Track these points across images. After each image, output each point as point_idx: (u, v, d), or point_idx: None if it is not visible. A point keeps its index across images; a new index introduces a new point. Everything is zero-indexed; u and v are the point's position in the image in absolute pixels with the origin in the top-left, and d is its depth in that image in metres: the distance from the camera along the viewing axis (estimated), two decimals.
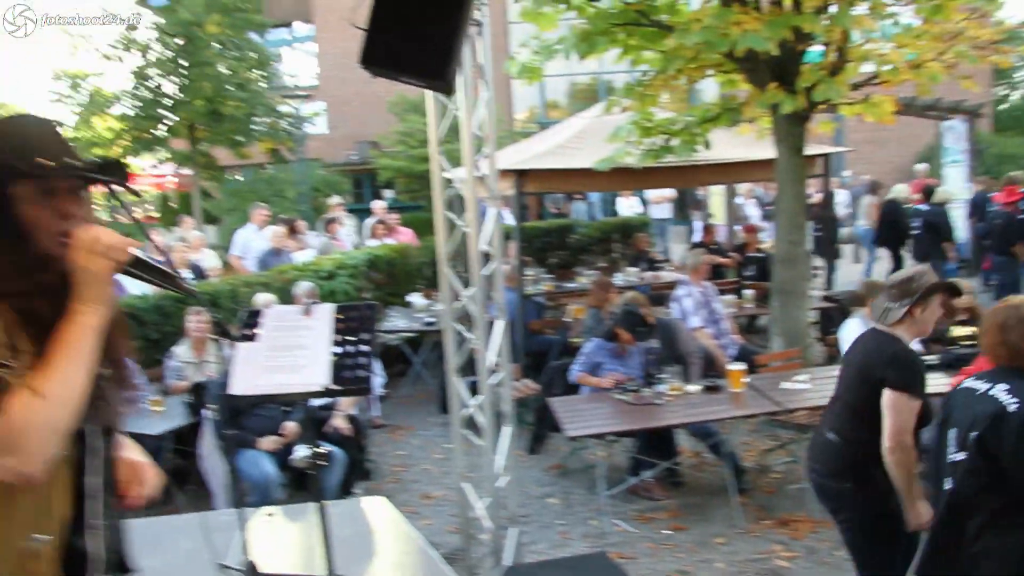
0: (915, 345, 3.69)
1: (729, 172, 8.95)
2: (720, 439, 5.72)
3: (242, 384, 2.57)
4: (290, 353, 2.61)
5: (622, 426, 5.47)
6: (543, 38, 6.27)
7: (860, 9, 5.84)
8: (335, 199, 13.68)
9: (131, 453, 2.05)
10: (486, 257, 3.84)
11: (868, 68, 6.37)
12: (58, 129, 1.75)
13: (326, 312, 2.69)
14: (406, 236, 11.57)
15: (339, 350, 2.61)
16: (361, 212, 15.36)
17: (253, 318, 2.71)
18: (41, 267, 1.65)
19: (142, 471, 2.04)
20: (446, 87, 3.02)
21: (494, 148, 3.78)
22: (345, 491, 5.82)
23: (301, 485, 5.90)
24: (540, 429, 6.66)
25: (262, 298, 6.69)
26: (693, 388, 5.81)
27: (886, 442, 3.25)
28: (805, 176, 6.66)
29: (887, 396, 3.27)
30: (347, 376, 2.54)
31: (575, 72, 23.05)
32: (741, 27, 5.18)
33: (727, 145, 8.03)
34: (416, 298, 9.24)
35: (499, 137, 3.95)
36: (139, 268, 1.66)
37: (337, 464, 5.62)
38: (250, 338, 2.63)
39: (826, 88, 5.76)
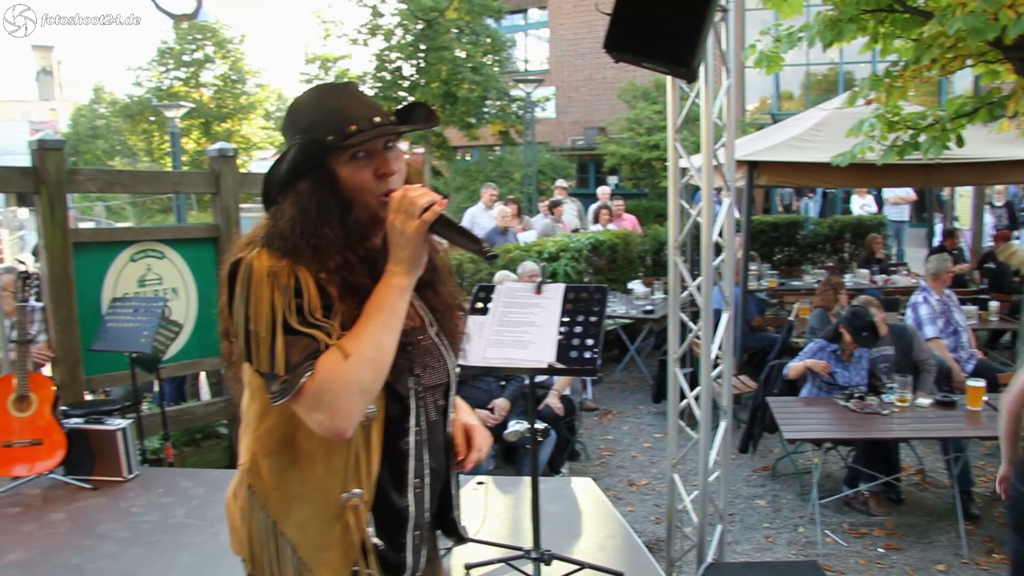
0: None
1: (981, 173, 8.22)
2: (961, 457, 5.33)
3: (471, 356, 2.68)
4: (519, 329, 2.70)
5: (843, 433, 5.22)
6: (785, 25, 6.01)
7: None
8: (560, 182, 13.86)
9: (465, 416, 2.05)
10: (716, 248, 3.77)
11: None
12: (358, 89, 1.78)
13: (557, 292, 2.75)
14: (630, 223, 11.57)
15: (566, 330, 2.66)
16: (584, 197, 15.50)
17: (485, 293, 2.82)
18: (364, 236, 1.70)
19: (474, 434, 2.01)
20: (690, 74, 2.98)
21: (732, 138, 3.70)
22: (552, 469, 5.94)
23: (508, 459, 6.09)
24: (753, 428, 6.48)
25: (501, 275, 6.91)
26: (924, 401, 5.44)
27: None
28: None
29: None
30: (573, 356, 2.59)
31: (812, 62, 22.10)
32: (1015, 11, 4.72)
33: (981, 143, 7.39)
34: (637, 285, 9.22)
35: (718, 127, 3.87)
36: (444, 228, 1.65)
37: (547, 442, 5.73)
38: (481, 312, 2.74)
39: None
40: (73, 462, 4.65)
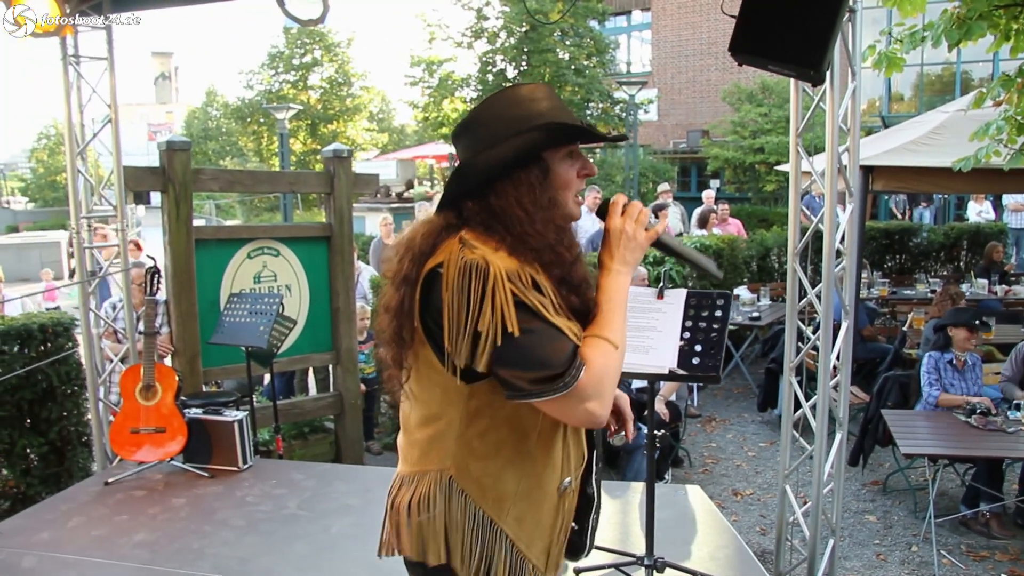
0: None
1: None
2: None
3: None
4: (641, 334, 2.67)
5: (964, 450, 5.02)
6: (907, 25, 5.80)
7: None
8: (664, 186, 13.71)
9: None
10: (836, 255, 3.67)
11: None
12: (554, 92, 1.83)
13: (679, 297, 2.72)
14: (735, 227, 11.38)
15: (688, 336, 2.63)
16: (685, 200, 15.30)
17: None
18: (567, 229, 1.75)
19: (621, 405, 2.06)
20: (818, 77, 2.91)
21: (857, 141, 3.59)
22: (657, 476, 5.87)
23: (611, 463, 6.06)
24: (864, 441, 6.28)
25: None
26: None
27: None
28: None
29: None
30: (695, 363, 2.56)
31: (926, 62, 21.26)
32: None
33: None
34: (743, 291, 9.06)
35: (842, 131, 3.75)
36: (666, 245, 1.80)
37: None
38: None
39: None
40: (192, 450, 4.83)
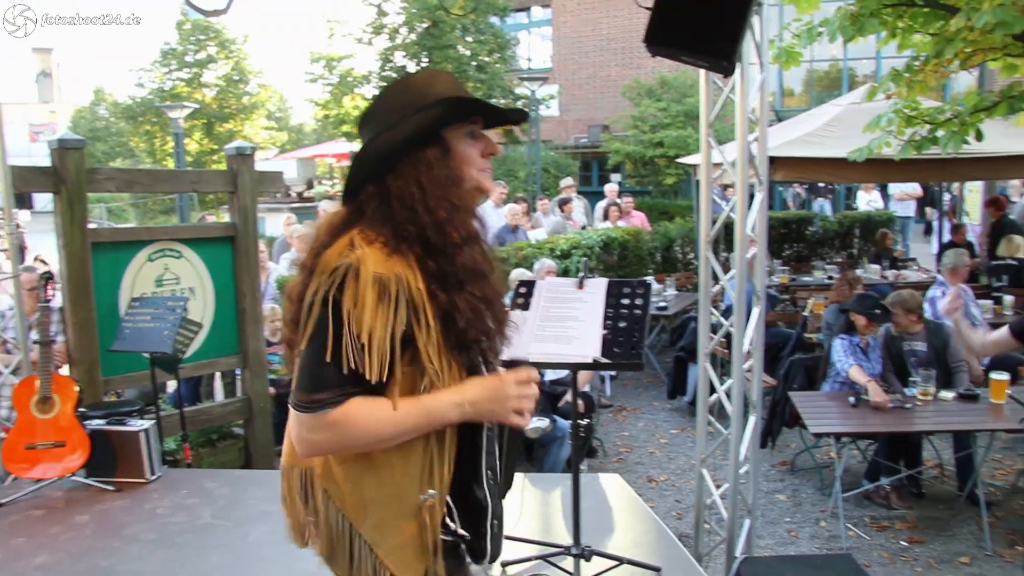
0: None
1: (996, 167, 8.20)
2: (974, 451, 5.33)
3: (513, 352, 2.65)
4: (562, 324, 2.67)
5: (869, 427, 5.20)
6: (804, 21, 6.00)
7: None
8: (567, 180, 13.83)
9: None
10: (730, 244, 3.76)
11: None
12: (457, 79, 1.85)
13: (600, 286, 2.72)
14: (639, 220, 11.58)
15: (610, 324, 2.64)
16: (587, 194, 15.49)
17: (526, 288, 2.80)
18: (464, 208, 1.74)
19: None
20: (730, 67, 2.96)
21: (766, 132, 3.68)
22: (570, 466, 5.91)
23: (528, 455, 6.07)
24: (772, 423, 6.47)
25: (516, 272, 6.90)
26: (947, 395, 5.42)
27: None
28: None
29: None
30: (618, 351, 2.57)
31: (815, 59, 22.09)
32: None
33: (995, 137, 7.35)
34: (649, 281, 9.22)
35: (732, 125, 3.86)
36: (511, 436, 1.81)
37: (565, 440, 5.70)
38: (523, 307, 2.72)
39: None
40: (95, 464, 4.59)
